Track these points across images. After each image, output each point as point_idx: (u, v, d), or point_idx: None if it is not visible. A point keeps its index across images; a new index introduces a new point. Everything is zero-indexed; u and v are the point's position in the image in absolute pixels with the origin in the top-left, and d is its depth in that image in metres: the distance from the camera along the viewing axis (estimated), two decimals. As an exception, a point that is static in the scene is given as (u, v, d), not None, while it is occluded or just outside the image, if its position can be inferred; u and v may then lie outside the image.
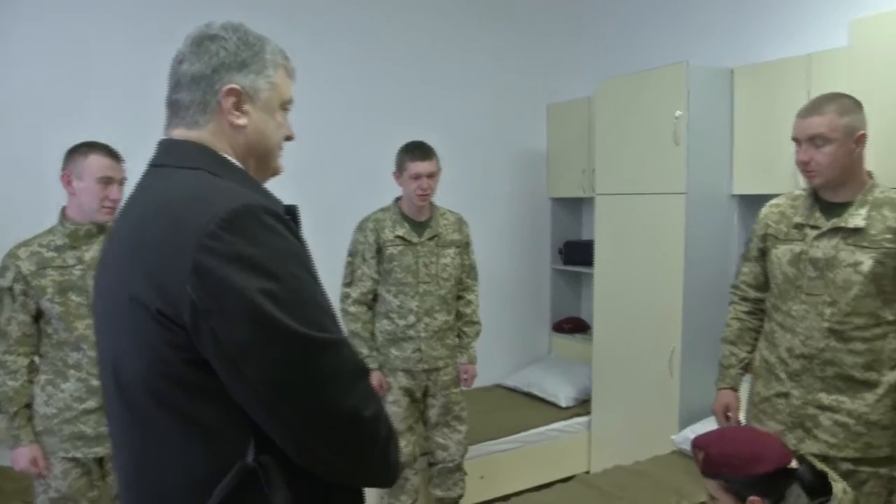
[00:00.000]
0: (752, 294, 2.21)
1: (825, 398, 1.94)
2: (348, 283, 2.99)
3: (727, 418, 2.24)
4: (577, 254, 4.31)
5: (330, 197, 3.66)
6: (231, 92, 1.07)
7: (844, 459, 1.93)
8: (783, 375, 2.02)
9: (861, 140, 1.89)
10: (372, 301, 3.01)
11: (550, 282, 4.59)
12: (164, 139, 1.11)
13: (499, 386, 4.31)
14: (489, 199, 4.34)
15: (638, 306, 3.48)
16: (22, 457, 2.18)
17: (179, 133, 1.09)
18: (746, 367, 2.23)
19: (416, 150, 2.90)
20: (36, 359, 2.25)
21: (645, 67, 3.48)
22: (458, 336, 3.13)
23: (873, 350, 1.90)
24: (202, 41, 1.08)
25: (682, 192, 3.22)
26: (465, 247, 3.10)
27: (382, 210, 3.01)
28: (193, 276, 0.89)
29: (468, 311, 3.13)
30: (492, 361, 4.31)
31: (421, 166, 2.86)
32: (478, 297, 3.18)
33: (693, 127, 3.20)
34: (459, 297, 3.12)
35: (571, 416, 3.82)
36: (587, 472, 3.65)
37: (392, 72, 3.93)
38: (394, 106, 3.91)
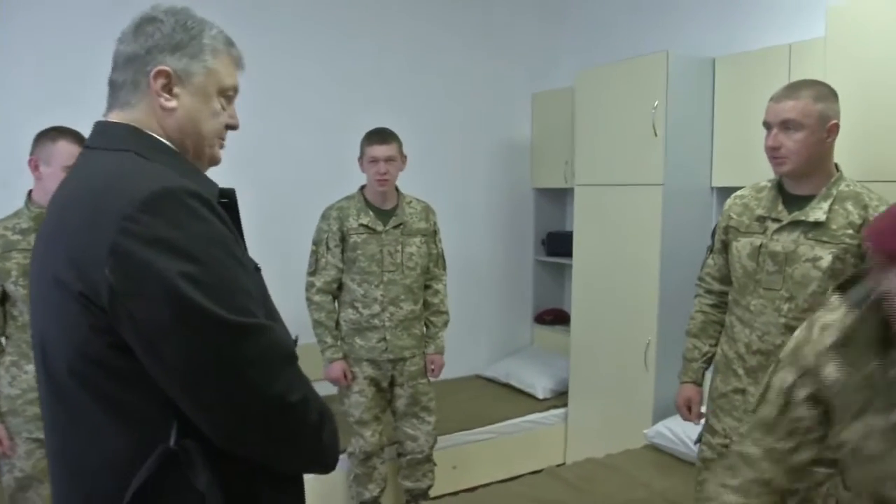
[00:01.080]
0: (717, 287, 2.16)
1: None
2: (312, 272, 2.95)
3: (689, 411, 2.21)
4: (560, 245, 4.27)
5: (301, 185, 3.63)
6: (160, 73, 1.06)
7: None
8: (741, 371, 1.98)
9: (833, 130, 1.84)
10: (337, 290, 2.98)
11: (533, 273, 4.55)
12: (99, 121, 1.10)
13: (478, 376, 4.28)
14: (472, 189, 4.30)
15: (615, 299, 3.44)
16: None
17: (115, 115, 1.09)
18: (710, 361, 2.18)
19: (374, 136, 2.87)
20: (3, 340, 2.27)
21: (628, 56, 3.43)
22: (426, 326, 3.09)
23: None
24: (142, 23, 1.08)
25: (660, 184, 3.18)
26: (432, 235, 3.06)
27: (347, 198, 2.97)
28: (111, 258, 0.89)
29: (436, 300, 3.09)
30: (472, 352, 4.30)
31: (378, 150, 2.83)
32: (446, 287, 3.14)
33: (672, 117, 3.15)
34: (427, 287, 3.08)
35: (548, 408, 3.79)
36: (563, 464, 3.62)
37: (371, 60, 3.88)
38: (373, 95, 3.86)
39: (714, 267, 2.16)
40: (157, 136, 1.07)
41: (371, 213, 2.92)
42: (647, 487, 2.70)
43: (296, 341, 1.20)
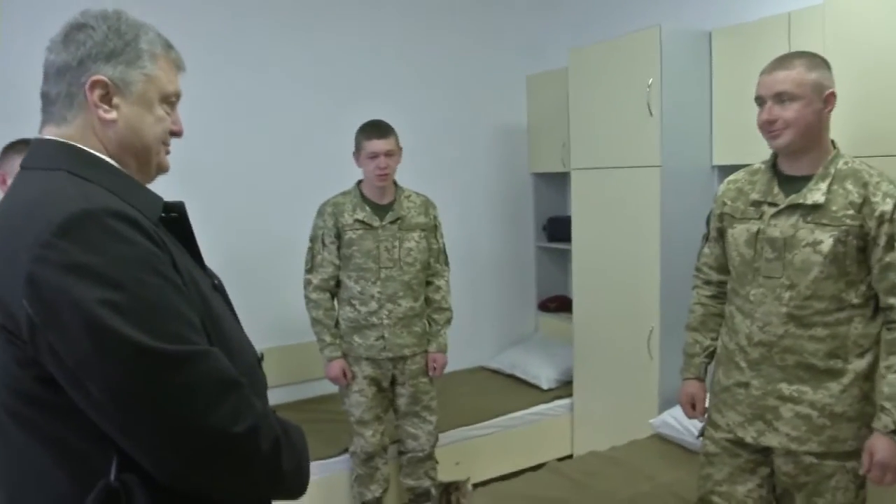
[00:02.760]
0: (715, 277, 2.06)
1: (786, 388, 1.80)
2: (309, 270, 2.89)
3: (693, 408, 2.11)
4: (561, 230, 4.15)
5: (294, 181, 3.56)
6: (97, 84, 1.00)
7: (807, 454, 1.80)
8: (743, 364, 1.88)
9: (830, 99, 1.73)
10: (335, 287, 2.91)
11: (535, 260, 4.46)
12: (33, 139, 1.04)
13: (483, 368, 4.21)
14: (469, 177, 4.20)
15: (616, 285, 3.35)
16: None
17: (49, 131, 1.03)
18: (712, 355, 2.08)
19: (373, 129, 2.78)
20: None
21: (622, 33, 3.30)
22: (428, 323, 3.00)
23: (836, 336, 1.75)
24: (71, 30, 1.02)
25: (657, 165, 3.06)
26: (432, 230, 2.97)
27: (343, 194, 2.90)
28: (28, 287, 0.84)
29: (437, 297, 3.00)
30: (475, 342, 4.22)
31: (377, 145, 2.74)
32: (448, 283, 3.05)
33: (668, 95, 3.03)
34: (429, 283, 3.00)
35: (553, 399, 3.71)
36: (570, 456, 3.55)
37: (360, 48, 3.78)
38: (363, 85, 3.77)
39: (711, 256, 2.06)
40: (93, 152, 1.00)
41: (367, 208, 2.84)
42: (652, 481, 2.62)
43: (261, 358, 1.14)
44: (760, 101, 1.79)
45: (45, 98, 1.03)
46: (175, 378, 0.87)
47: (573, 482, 2.64)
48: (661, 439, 2.98)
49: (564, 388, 3.76)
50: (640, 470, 2.72)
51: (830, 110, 1.75)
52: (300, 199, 3.22)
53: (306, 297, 2.89)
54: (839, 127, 2.07)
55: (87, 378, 0.84)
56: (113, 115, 1.01)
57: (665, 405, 3.09)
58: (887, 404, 1.68)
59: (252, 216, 3.51)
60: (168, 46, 1.08)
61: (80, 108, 1.00)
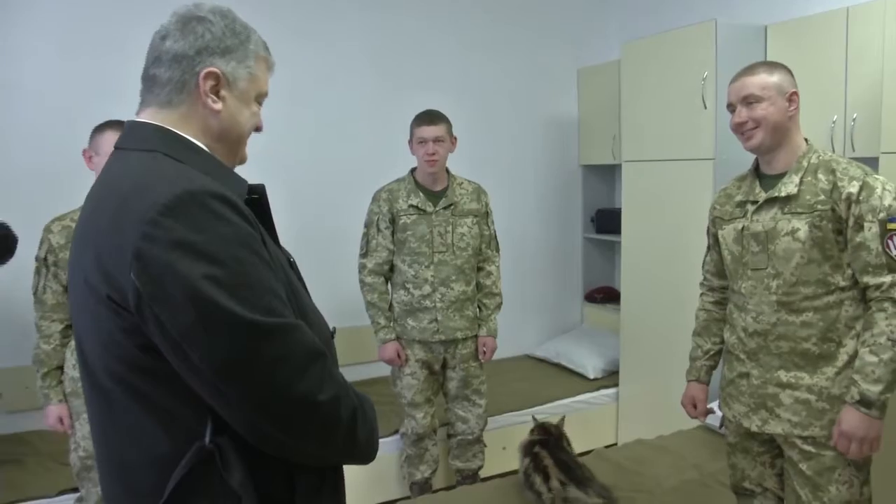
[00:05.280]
0: (717, 283, 2.17)
1: (784, 375, 1.87)
2: (364, 254, 2.98)
3: (695, 408, 2.21)
4: (609, 222, 4.20)
5: (348, 169, 3.66)
6: (210, 75, 1.06)
7: (810, 439, 1.84)
8: (742, 356, 1.96)
9: (793, 98, 1.86)
10: (389, 272, 3.00)
11: (582, 251, 4.51)
12: (130, 121, 1.10)
13: (528, 356, 4.27)
14: (520, 167, 4.27)
15: (665, 276, 3.37)
16: (51, 414, 2.36)
17: (148, 113, 1.08)
18: (714, 359, 2.18)
19: (423, 116, 2.88)
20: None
21: (675, 27, 3.32)
22: (479, 308, 3.08)
23: (827, 319, 1.81)
24: (189, 21, 1.07)
25: (711, 158, 3.09)
26: (483, 216, 3.04)
27: (397, 180, 2.99)
28: (136, 262, 0.90)
29: (488, 282, 3.08)
30: (522, 331, 4.29)
31: (427, 131, 2.83)
32: (499, 269, 3.12)
33: (722, 89, 2.98)
34: (480, 269, 3.07)
35: (599, 388, 3.76)
36: (615, 445, 3.59)
37: (414, 39, 3.87)
38: (416, 75, 3.86)
39: (711, 263, 2.18)
40: (187, 136, 1.06)
41: (421, 194, 2.92)
42: (698, 469, 2.66)
43: (333, 332, 1.21)
44: (731, 107, 1.93)
45: (153, 80, 1.08)
46: (268, 348, 0.93)
47: (620, 468, 2.70)
48: (707, 430, 3.00)
49: (610, 377, 3.81)
50: (686, 458, 2.76)
51: (795, 108, 1.87)
52: (351, 187, 3.32)
53: (361, 280, 2.98)
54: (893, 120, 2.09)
55: (189, 346, 0.90)
56: (219, 105, 1.07)
57: (712, 397, 3.10)
58: (856, 376, 1.74)
59: (307, 203, 3.62)
60: (267, 50, 1.16)
61: (189, 95, 1.06)
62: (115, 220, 0.94)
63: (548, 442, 2.51)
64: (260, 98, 1.15)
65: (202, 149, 1.08)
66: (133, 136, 1.07)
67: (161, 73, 1.07)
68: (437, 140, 2.83)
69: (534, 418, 2.77)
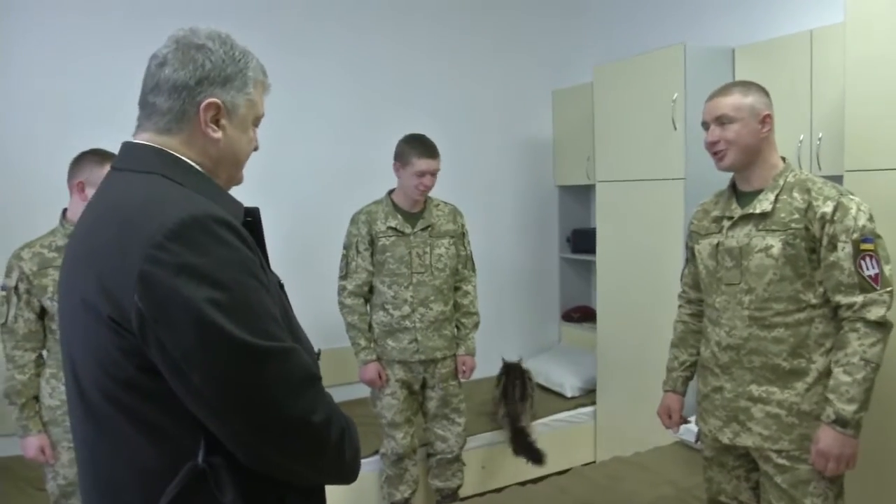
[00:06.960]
0: (693, 295, 2.20)
1: (755, 390, 1.91)
2: (343, 276, 2.99)
3: (670, 418, 2.25)
4: (585, 242, 4.24)
5: (323, 192, 3.68)
6: (211, 106, 1.07)
7: (780, 452, 1.88)
8: (716, 370, 2.00)
9: (766, 121, 1.90)
10: (368, 293, 3.02)
11: (559, 270, 4.55)
12: (126, 142, 1.11)
13: (507, 376, 4.27)
14: (496, 188, 4.31)
15: (640, 295, 3.42)
16: (31, 446, 2.29)
17: (147, 137, 1.08)
18: (690, 370, 2.22)
19: (424, 148, 2.87)
20: (44, 353, 2.34)
21: (647, 49, 3.40)
22: (457, 328, 3.10)
23: (797, 335, 1.85)
24: (188, 48, 1.07)
25: (682, 178, 3.15)
26: (460, 237, 3.07)
27: (375, 202, 3.01)
28: (140, 285, 0.91)
29: (465, 301, 3.10)
30: (500, 351, 4.26)
31: (428, 164, 2.85)
32: (475, 289, 3.15)
33: (692, 110, 3.10)
34: (457, 289, 3.10)
35: (576, 407, 3.79)
36: (593, 463, 3.60)
37: (390, 61, 3.92)
38: (392, 97, 3.90)
39: (688, 276, 2.22)
40: (186, 159, 1.07)
41: (399, 216, 2.95)
42: (675, 485, 2.68)
43: (318, 354, 1.22)
44: (705, 125, 1.97)
45: (152, 107, 1.08)
46: (267, 371, 0.95)
47: (598, 486, 2.72)
48: (683, 446, 3.03)
49: (587, 396, 3.84)
50: (663, 474, 2.78)
51: (769, 130, 1.91)
52: (329, 208, 3.33)
53: (340, 302, 2.99)
54: (858, 140, 2.15)
55: (191, 368, 0.91)
56: (219, 134, 1.09)
57: (688, 413, 3.13)
58: (831, 396, 1.78)
59: (283, 224, 3.62)
60: (264, 73, 1.17)
61: (188, 123, 1.07)
62: (118, 241, 0.95)
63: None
64: (257, 121, 1.17)
65: (200, 172, 1.09)
66: (131, 158, 1.08)
67: (160, 101, 1.07)
68: (433, 173, 2.87)
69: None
